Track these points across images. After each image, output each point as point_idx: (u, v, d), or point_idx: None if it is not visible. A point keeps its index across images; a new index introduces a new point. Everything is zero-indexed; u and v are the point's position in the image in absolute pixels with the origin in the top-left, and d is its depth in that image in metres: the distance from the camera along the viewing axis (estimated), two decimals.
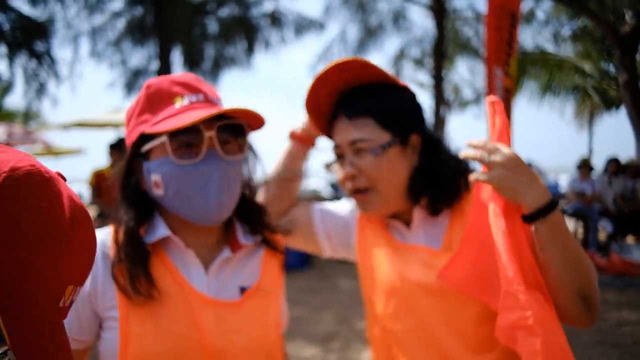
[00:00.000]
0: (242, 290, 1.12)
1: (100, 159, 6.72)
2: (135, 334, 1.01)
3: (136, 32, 12.17)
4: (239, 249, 1.15)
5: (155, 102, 1.07)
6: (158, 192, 1.06)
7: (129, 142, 1.10)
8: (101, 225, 1.13)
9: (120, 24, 12.23)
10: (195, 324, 1.03)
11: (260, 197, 1.38)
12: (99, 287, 1.04)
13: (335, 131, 1.28)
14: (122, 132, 3.85)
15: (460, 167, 1.26)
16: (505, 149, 1.08)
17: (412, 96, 1.28)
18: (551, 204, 1.05)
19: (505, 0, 5.37)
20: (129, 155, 1.09)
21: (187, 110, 1.05)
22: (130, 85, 12.77)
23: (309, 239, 1.42)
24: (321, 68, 1.22)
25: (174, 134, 1.02)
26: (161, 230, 1.08)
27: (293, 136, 1.43)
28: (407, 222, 1.30)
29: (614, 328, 4.79)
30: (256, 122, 1.12)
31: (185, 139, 1.03)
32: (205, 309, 1.05)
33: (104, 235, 1.09)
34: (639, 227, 8.96)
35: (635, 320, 5.05)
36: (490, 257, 1.07)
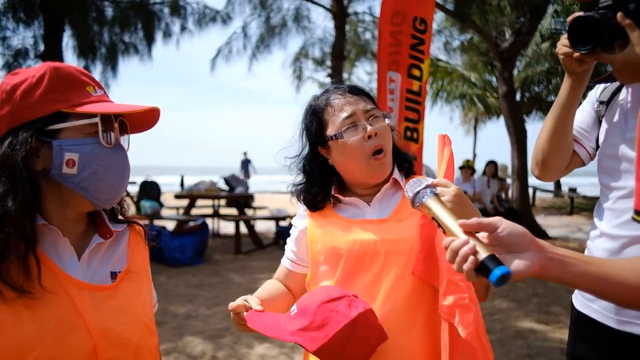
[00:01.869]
0: (113, 275, 1.17)
1: None
2: (10, 322, 0.99)
3: (20, 10, 11.21)
4: (110, 236, 1.20)
5: (67, 85, 1.10)
6: (69, 170, 1.07)
7: (27, 117, 1.07)
8: None
9: None
10: (75, 308, 1.05)
11: None
12: None
13: (341, 104, 1.51)
14: None
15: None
16: (452, 187, 1.32)
17: None
18: None
19: (404, 5, 5.46)
20: (33, 132, 1.05)
21: (103, 100, 1.14)
22: (10, 67, 11.74)
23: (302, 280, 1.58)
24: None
25: (102, 118, 1.10)
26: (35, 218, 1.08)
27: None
28: (367, 202, 1.54)
29: (486, 317, 5.21)
30: (147, 124, 1.22)
31: (105, 126, 1.11)
32: (82, 294, 1.08)
33: None
34: None
35: (505, 308, 5.57)
36: (436, 253, 1.38)
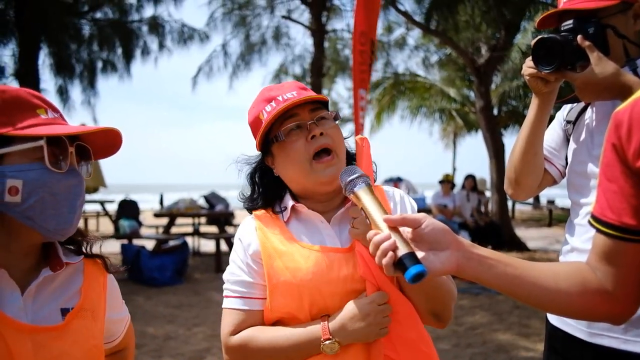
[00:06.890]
0: (64, 311, 1.09)
1: None
2: None
3: None
4: (60, 268, 1.11)
5: (14, 108, 1.03)
6: (12, 199, 0.99)
7: None
8: None
9: None
10: (9, 354, 0.97)
11: None
12: None
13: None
14: None
15: None
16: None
17: None
18: None
19: (365, 27, 5.73)
20: None
21: (55, 123, 1.05)
22: None
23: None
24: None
25: (48, 142, 1.02)
26: None
27: None
28: (327, 218, 1.36)
29: (468, 331, 5.26)
30: (109, 147, 1.15)
31: (55, 150, 1.03)
32: (21, 338, 1.00)
33: None
34: (492, 237, 9.95)
35: (487, 322, 5.58)
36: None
